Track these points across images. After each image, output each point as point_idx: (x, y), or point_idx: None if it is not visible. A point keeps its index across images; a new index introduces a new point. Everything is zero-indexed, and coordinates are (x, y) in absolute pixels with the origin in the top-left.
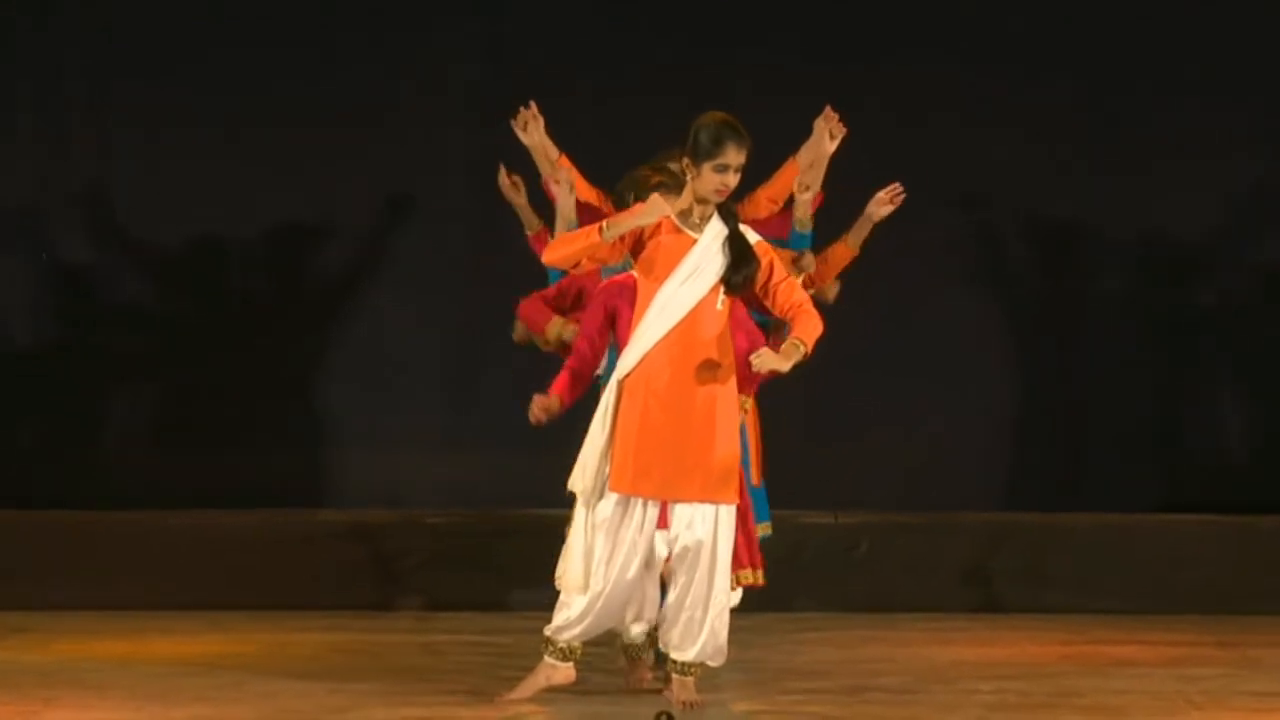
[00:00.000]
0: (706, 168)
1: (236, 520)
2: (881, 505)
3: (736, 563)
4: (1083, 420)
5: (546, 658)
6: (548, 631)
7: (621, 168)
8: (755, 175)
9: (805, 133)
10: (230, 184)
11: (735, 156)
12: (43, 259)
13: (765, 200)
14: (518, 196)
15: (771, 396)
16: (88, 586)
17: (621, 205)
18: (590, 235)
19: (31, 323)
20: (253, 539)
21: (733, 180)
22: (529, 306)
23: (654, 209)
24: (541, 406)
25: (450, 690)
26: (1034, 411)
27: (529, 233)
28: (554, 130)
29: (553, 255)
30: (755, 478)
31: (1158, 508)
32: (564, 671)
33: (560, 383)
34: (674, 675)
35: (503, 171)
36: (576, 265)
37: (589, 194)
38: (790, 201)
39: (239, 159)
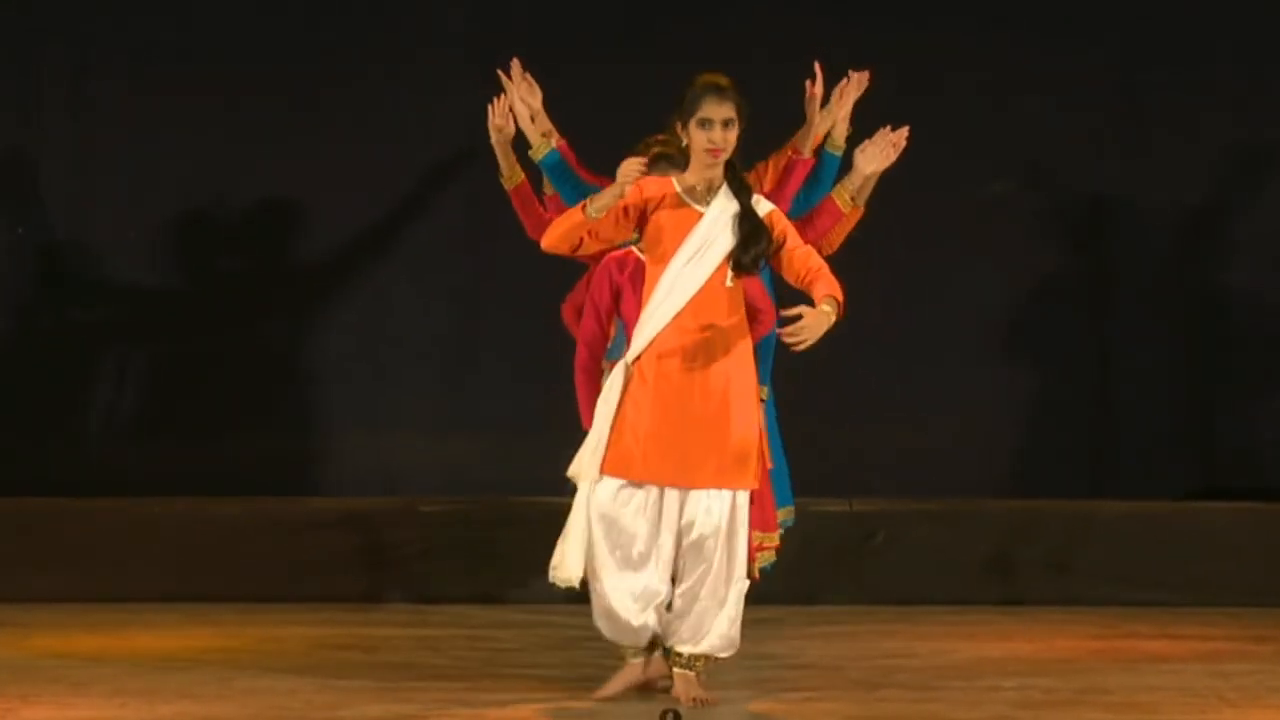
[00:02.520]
0: (692, 126)
1: (223, 508)
2: (900, 492)
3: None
4: (1112, 404)
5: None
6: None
7: (627, 138)
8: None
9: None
10: (215, 156)
11: (716, 110)
12: (19, 234)
13: (775, 169)
14: (503, 130)
15: (783, 376)
16: (66, 577)
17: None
18: (574, 215)
19: (7, 301)
20: (240, 528)
21: (719, 136)
22: (566, 317)
23: (627, 173)
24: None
25: (446, 687)
26: (1061, 395)
27: (507, 186)
28: (560, 98)
29: (548, 241)
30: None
31: (1191, 495)
32: (633, 669)
33: (581, 387)
34: (676, 670)
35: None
36: (576, 247)
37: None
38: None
39: (224, 131)
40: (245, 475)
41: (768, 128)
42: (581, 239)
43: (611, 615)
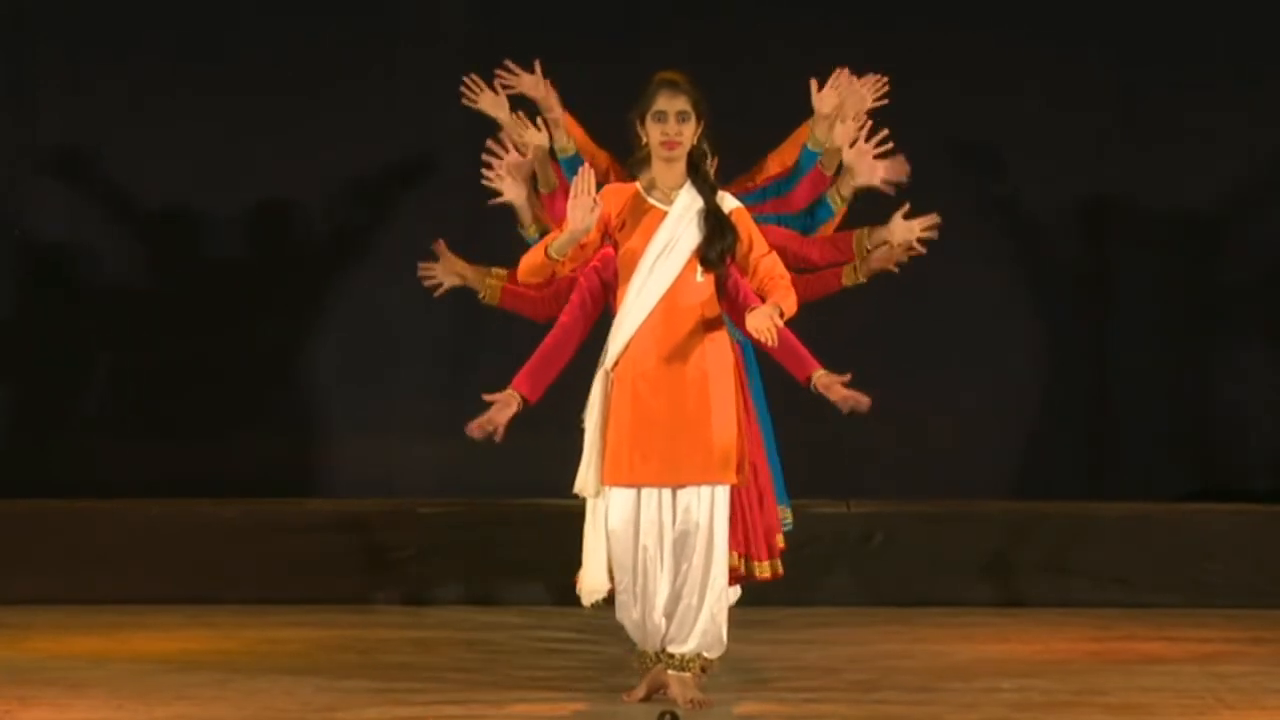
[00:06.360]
0: (648, 121)
1: (220, 510)
2: (898, 493)
3: (754, 554)
4: (1110, 405)
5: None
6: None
7: (627, 138)
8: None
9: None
10: (212, 157)
11: (669, 103)
12: (15, 235)
13: (774, 164)
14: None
15: (782, 375)
16: (63, 579)
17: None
18: (537, 255)
19: (4, 303)
20: (237, 530)
21: (674, 129)
22: None
23: (579, 216)
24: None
25: (442, 688)
26: (1059, 396)
27: (543, 191)
28: (560, 97)
29: (522, 275)
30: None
31: (1189, 497)
32: (658, 671)
33: (535, 358)
34: (672, 673)
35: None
36: (550, 279)
37: (599, 157)
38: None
39: (219, 128)
40: (243, 477)
41: (766, 128)
42: (554, 271)
43: (639, 621)
